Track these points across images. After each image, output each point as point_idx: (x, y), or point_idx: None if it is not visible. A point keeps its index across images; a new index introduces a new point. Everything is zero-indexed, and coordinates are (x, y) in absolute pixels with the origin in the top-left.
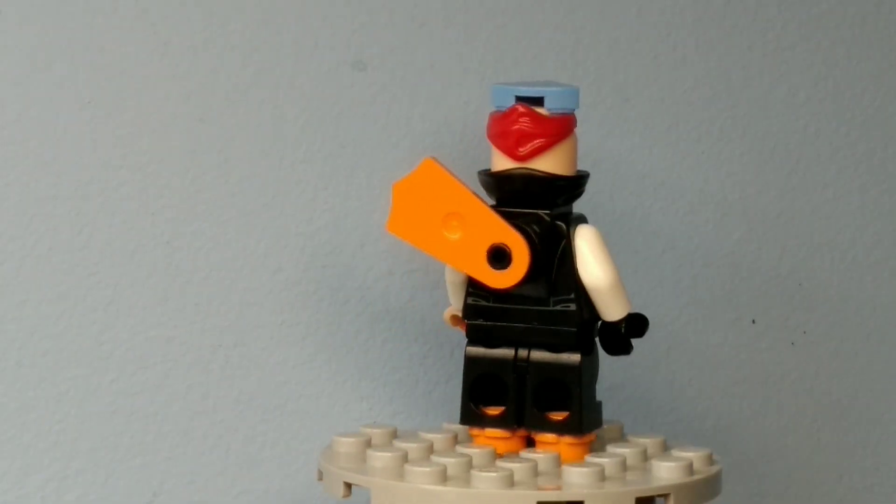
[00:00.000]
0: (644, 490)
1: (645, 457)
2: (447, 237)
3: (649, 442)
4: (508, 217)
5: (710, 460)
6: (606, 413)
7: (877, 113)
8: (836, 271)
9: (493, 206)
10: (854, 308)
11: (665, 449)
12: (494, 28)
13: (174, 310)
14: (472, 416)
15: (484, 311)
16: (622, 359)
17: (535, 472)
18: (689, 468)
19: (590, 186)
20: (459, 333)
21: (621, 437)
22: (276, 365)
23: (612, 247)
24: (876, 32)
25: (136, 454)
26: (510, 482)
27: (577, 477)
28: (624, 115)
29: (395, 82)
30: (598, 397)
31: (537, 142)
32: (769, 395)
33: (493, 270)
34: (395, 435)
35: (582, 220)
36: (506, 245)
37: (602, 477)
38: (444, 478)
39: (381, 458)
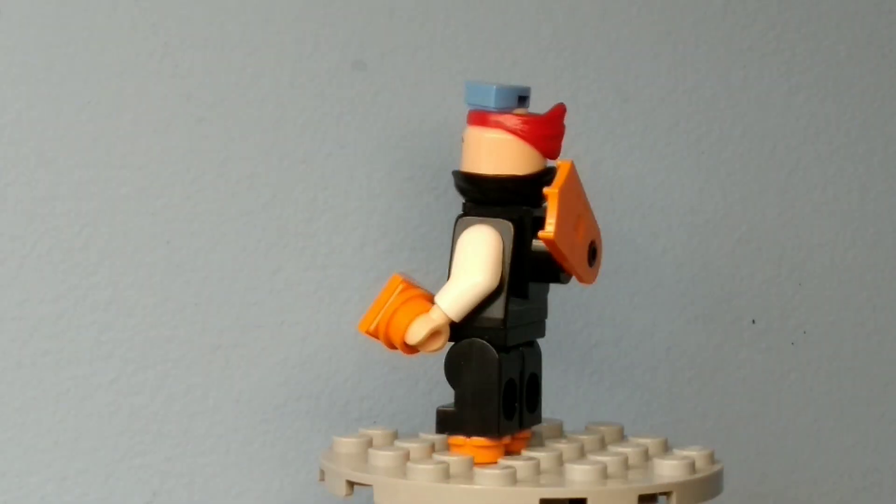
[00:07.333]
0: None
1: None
2: (576, 240)
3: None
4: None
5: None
6: (607, 413)
7: (877, 113)
8: (836, 271)
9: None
10: (854, 308)
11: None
12: (494, 28)
13: (174, 310)
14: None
15: (517, 315)
16: (622, 358)
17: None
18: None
19: (590, 186)
20: None
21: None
22: (276, 364)
23: (612, 247)
24: (876, 32)
25: (136, 454)
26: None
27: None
28: (624, 115)
29: (395, 82)
30: (597, 396)
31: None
32: (769, 395)
33: (589, 267)
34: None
35: None
36: (595, 240)
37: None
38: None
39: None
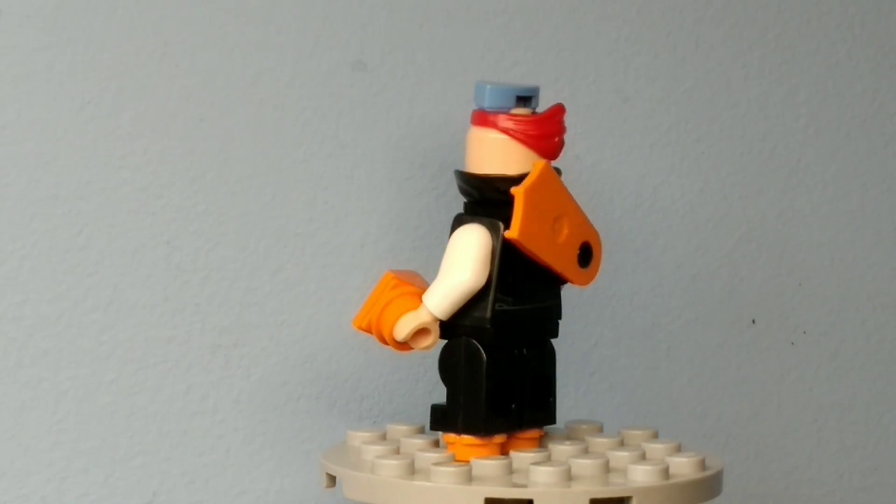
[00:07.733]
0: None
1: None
2: (555, 240)
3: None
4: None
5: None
6: (606, 413)
7: (877, 113)
8: (836, 271)
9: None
10: (854, 308)
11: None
12: (494, 28)
13: (174, 310)
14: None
15: (507, 315)
16: (622, 358)
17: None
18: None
19: (590, 186)
20: None
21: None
22: (276, 365)
23: (612, 247)
24: (876, 32)
25: (136, 454)
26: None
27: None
28: (624, 115)
29: (395, 82)
30: (597, 396)
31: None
32: (769, 395)
33: (580, 269)
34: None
35: None
36: (589, 242)
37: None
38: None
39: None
